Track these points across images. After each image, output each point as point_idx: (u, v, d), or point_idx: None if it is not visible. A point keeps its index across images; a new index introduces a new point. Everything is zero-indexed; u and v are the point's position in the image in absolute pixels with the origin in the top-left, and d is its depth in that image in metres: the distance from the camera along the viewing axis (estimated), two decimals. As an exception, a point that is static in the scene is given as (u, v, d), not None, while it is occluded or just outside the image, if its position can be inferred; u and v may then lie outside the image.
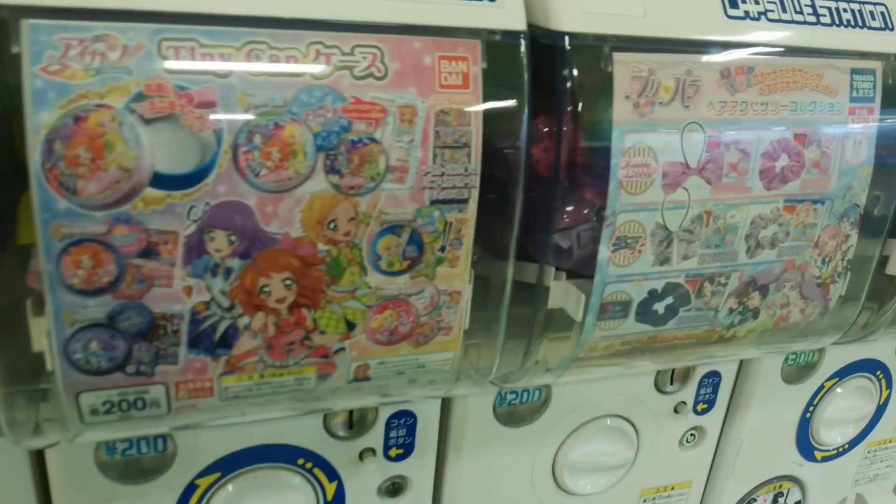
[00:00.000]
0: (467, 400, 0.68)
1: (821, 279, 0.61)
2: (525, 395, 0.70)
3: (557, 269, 0.54)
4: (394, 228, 0.45)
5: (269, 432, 0.62)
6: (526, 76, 0.47)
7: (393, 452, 0.67)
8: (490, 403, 0.69)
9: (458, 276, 0.48)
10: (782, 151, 0.54)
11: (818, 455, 0.91)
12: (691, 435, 0.81)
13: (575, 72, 0.48)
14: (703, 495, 0.87)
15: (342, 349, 0.48)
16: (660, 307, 0.55)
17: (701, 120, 0.51)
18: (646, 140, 0.49)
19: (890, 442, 0.96)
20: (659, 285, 0.54)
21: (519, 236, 0.54)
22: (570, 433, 0.74)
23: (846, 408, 0.88)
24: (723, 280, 0.56)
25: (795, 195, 0.56)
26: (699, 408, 0.79)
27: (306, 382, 0.48)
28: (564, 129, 0.48)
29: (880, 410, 0.92)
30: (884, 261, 0.66)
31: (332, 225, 0.44)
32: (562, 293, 0.54)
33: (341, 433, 0.64)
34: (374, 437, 0.66)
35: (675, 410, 0.78)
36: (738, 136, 0.52)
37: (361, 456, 0.66)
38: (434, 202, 0.45)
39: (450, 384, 0.54)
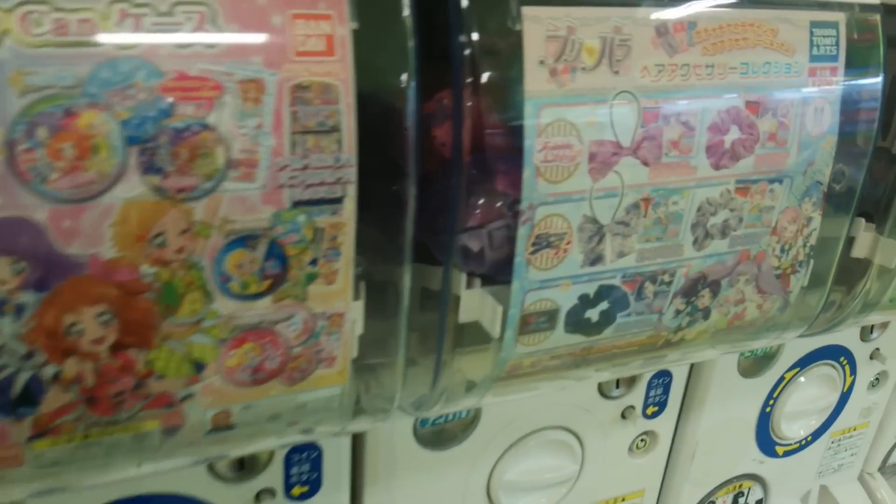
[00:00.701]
0: (383, 425, 0.58)
1: (780, 269, 0.52)
2: (450, 414, 0.61)
3: (470, 275, 0.44)
4: (245, 240, 0.35)
5: (143, 480, 0.52)
6: (411, 39, 0.37)
7: (296, 491, 0.57)
8: (409, 426, 0.60)
9: (337, 295, 0.38)
10: (732, 123, 0.45)
11: (780, 450, 0.83)
12: (641, 441, 0.73)
13: (474, 33, 0.38)
14: (657, 503, 0.79)
15: (190, 395, 0.38)
16: (593, 314, 0.46)
17: (634, 88, 0.41)
18: (567, 115, 0.40)
19: (854, 430, 0.90)
20: (591, 289, 0.45)
21: (423, 238, 0.45)
22: (504, 450, 0.65)
23: (809, 398, 0.81)
24: (667, 278, 0.47)
25: (749, 174, 0.47)
26: (649, 411, 0.71)
27: (149, 439, 0.38)
28: (467, 105, 0.38)
29: (844, 398, 0.85)
30: (851, 243, 0.58)
31: (158, 240, 0.33)
32: (476, 304, 0.44)
33: (229, 475, 0.54)
34: (272, 476, 0.56)
35: (623, 416, 0.70)
36: (679, 107, 0.43)
37: (259, 498, 0.56)
38: (297, 204, 0.35)
39: (343, 421, 0.44)
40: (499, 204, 0.42)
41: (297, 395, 0.40)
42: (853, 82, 0.50)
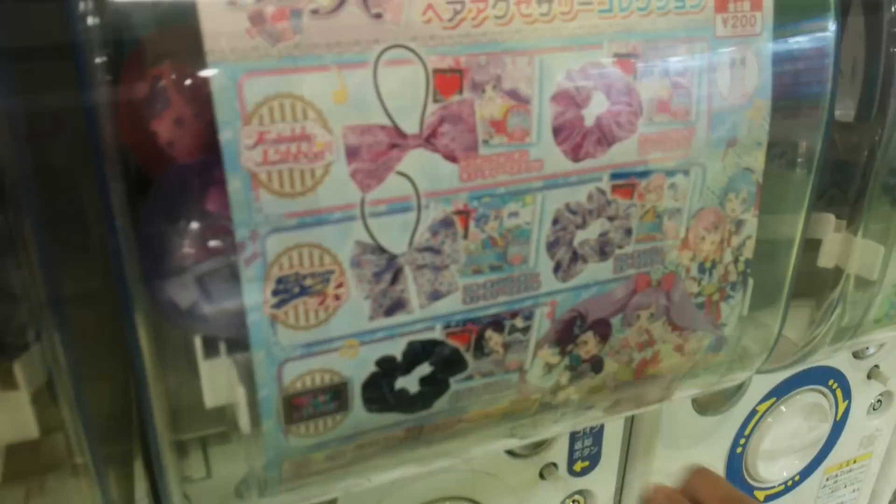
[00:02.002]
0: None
1: (703, 296, 0.37)
2: (294, 494, 0.46)
3: (208, 338, 0.29)
4: None
5: None
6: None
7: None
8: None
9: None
10: (594, 88, 0.30)
11: (760, 495, 0.68)
12: (574, 502, 0.57)
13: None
14: (601, 573, 0.64)
15: None
16: (409, 384, 0.31)
17: (413, 40, 0.26)
18: (292, 87, 0.25)
19: (854, 462, 0.73)
20: (396, 349, 0.30)
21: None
22: (378, 537, 0.50)
23: (791, 433, 0.65)
24: (520, 323, 0.32)
25: (632, 164, 0.31)
26: (577, 467, 0.56)
27: None
28: (96, 82, 0.23)
29: (838, 427, 0.69)
30: (811, 244, 0.43)
31: None
32: (223, 381, 0.30)
33: None
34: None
35: (542, 476, 0.54)
36: (498, 67, 0.28)
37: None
38: None
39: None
40: (211, 233, 0.27)
41: None
42: (790, 21, 0.34)
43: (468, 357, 0.32)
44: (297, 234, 0.26)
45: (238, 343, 0.29)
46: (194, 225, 0.27)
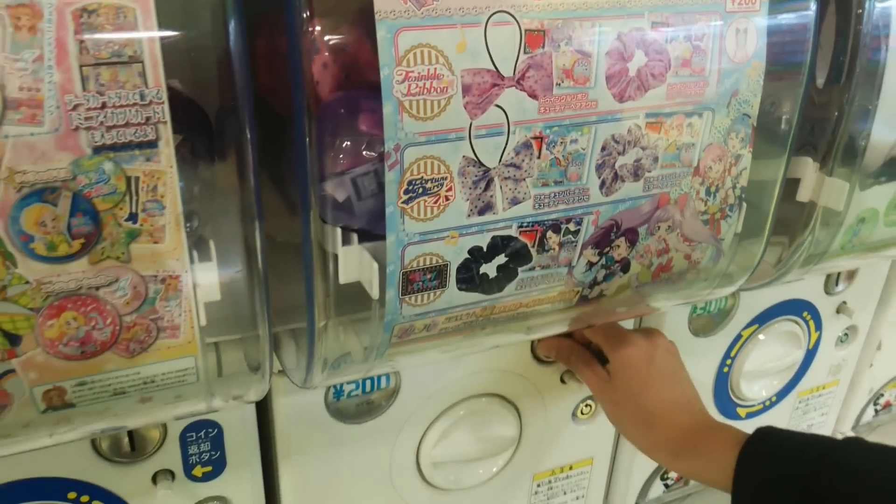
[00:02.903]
0: (289, 401, 0.54)
1: (707, 214, 0.47)
2: (367, 383, 0.57)
3: (345, 230, 0.39)
4: (41, 193, 0.30)
5: (27, 464, 0.48)
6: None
7: (198, 471, 0.53)
8: (321, 399, 0.55)
9: (169, 254, 0.34)
10: (636, 48, 0.40)
11: (741, 412, 0.79)
12: (586, 406, 0.68)
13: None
14: (609, 471, 0.75)
15: (10, 371, 0.33)
16: (489, 270, 0.42)
17: (512, 7, 0.36)
18: (430, 39, 0.35)
19: (823, 388, 0.85)
20: (483, 241, 0.40)
21: (285, 187, 0.40)
22: (432, 421, 0.61)
23: (770, 357, 0.76)
24: (572, 227, 0.43)
25: (661, 107, 0.42)
26: (593, 375, 0.66)
27: (-30, 421, 0.34)
28: (304, 33, 0.33)
29: (810, 355, 0.80)
30: (790, 184, 0.53)
31: (-67, 195, 0.29)
32: (355, 262, 0.40)
33: (118, 456, 0.50)
34: (168, 456, 0.52)
35: (562, 380, 0.65)
36: (570, 29, 0.38)
37: (155, 480, 0.52)
38: (99, 149, 0.30)
39: (207, 397, 0.40)
40: (363, 147, 0.37)
41: (139, 368, 0.36)
42: (781, 1, 0.44)
43: (533, 252, 0.42)
44: (425, 148, 0.36)
45: (367, 234, 0.39)
46: (349, 140, 0.37)
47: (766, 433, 0.49)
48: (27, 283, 0.32)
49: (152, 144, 0.31)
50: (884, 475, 0.44)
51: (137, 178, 0.31)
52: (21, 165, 0.29)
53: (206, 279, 0.36)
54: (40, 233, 0.31)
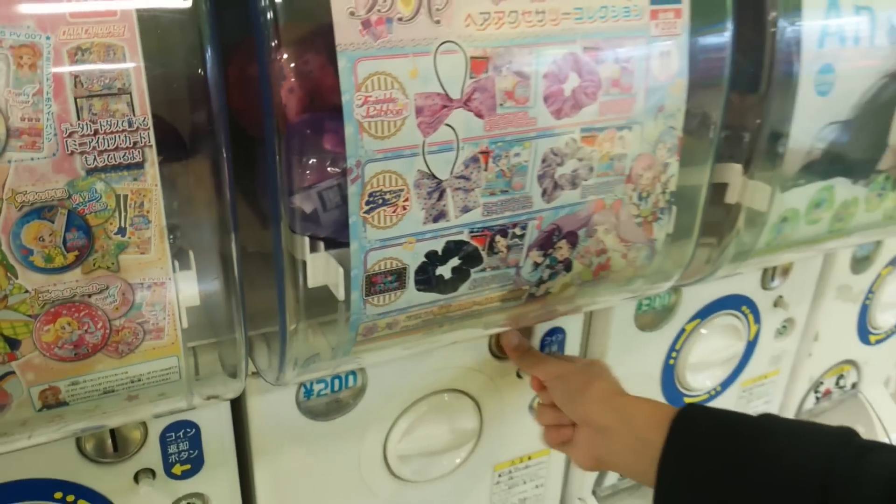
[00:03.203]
0: (262, 400, 0.58)
1: (640, 217, 0.52)
2: (336, 382, 0.61)
3: (313, 238, 0.43)
4: (40, 212, 0.34)
5: (10, 466, 0.51)
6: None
7: (177, 470, 0.57)
8: (292, 398, 0.59)
9: (153, 264, 0.37)
10: (571, 70, 0.45)
11: (688, 402, 0.84)
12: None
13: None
14: (567, 460, 0.80)
15: (10, 373, 0.37)
16: (444, 271, 0.46)
17: (458, 38, 0.41)
18: (386, 67, 0.39)
19: (765, 378, 0.91)
20: (437, 246, 0.45)
21: (255, 201, 0.44)
22: (397, 417, 0.65)
23: (713, 349, 0.82)
24: (518, 231, 0.47)
25: (594, 122, 0.47)
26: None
27: (-27, 419, 0.37)
28: (273, 61, 0.37)
29: (751, 347, 0.86)
30: (717, 189, 0.58)
31: (-57, 215, 0.32)
32: (321, 268, 0.44)
33: (101, 457, 0.53)
34: (149, 455, 0.55)
35: (518, 375, 0.70)
36: (509, 56, 0.42)
37: (137, 479, 0.55)
38: (92, 171, 0.34)
39: (188, 394, 0.44)
40: (328, 163, 0.41)
41: (127, 367, 0.39)
42: (701, 25, 0.49)
43: (484, 254, 0.47)
44: (382, 164, 0.41)
45: (332, 242, 0.44)
46: (315, 157, 0.41)
47: (690, 409, 0.53)
48: (26, 292, 0.35)
49: (139, 166, 0.35)
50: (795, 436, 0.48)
51: (126, 196, 0.35)
52: (22, 187, 0.33)
53: (187, 286, 0.40)
54: (39, 247, 0.35)
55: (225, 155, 0.37)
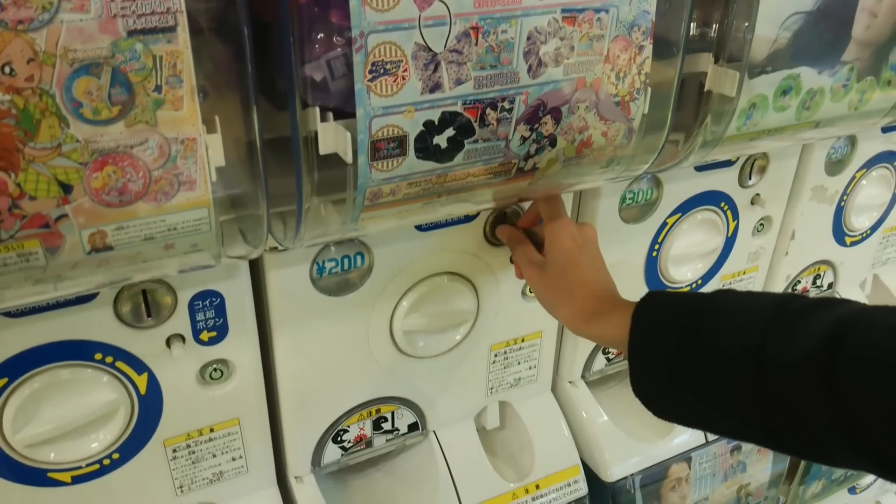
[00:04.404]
0: (280, 274, 0.64)
1: (618, 97, 0.57)
2: (346, 261, 0.67)
3: (323, 110, 0.49)
4: (89, 68, 0.39)
5: (53, 329, 0.57)
6: None
7: (205, 336, 0.63)
8: (306, 274, 0.65)
9: (186, 121, 0.43)
10: (551, -46, 0.49)
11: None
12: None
13: None
14: (558, 343, 0.87)
15: (64, 216, 0.42)
16: (441, 140, 0.51)
17: (449, -80, 0.45)
18: (384, -54, 0.44)
19: (744, 273, 0.97)
20: (434, 115, 0.50)
21: (270, 71, 0.49)
22: (401, 295, 0.71)
23: (693, 242, 0.88)
24: (507, 105, 0.52)
25: (573, 4, 0.52)
26: (538, 256, 0.77)
27: (34, 258, 0.43)
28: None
29: (730, 242, 0.92)
30: (690, 82, 0.63)
31: (6, 69, 0.38)
32: (331, 136, 0.49)
33: (136, 322, 0.60)
34: (179, 322, 0.62)
35: (511, 261, 0.76)
36: (495, -62, 0.47)
37: (169, 343, 0.62)
38: (132, 33, 0.39)
39: (216, 247, 0.49)
40: (335, 36, 0.46)
41: (165, 216, 0.45)
42: (672, -85, 0.54)
43: (476, 125, 0.52)
44: (383, 35, 0.46)
45: (340, 113, 0.49)
46: (322, 31, 0.46)
47: (656, 293, 0.60)
48: (77, 141, 0.41)
49: (172, 30, 0.40)
50: (743, 306, 0.55)
51: (161, 57, 0.41)
52: (73, 45, 0.38)
53: (214, 147, 0.46)
54: (87, 100, 0.40)
55: (246, 30, 0.42)
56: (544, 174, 0.59)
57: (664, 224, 0.84)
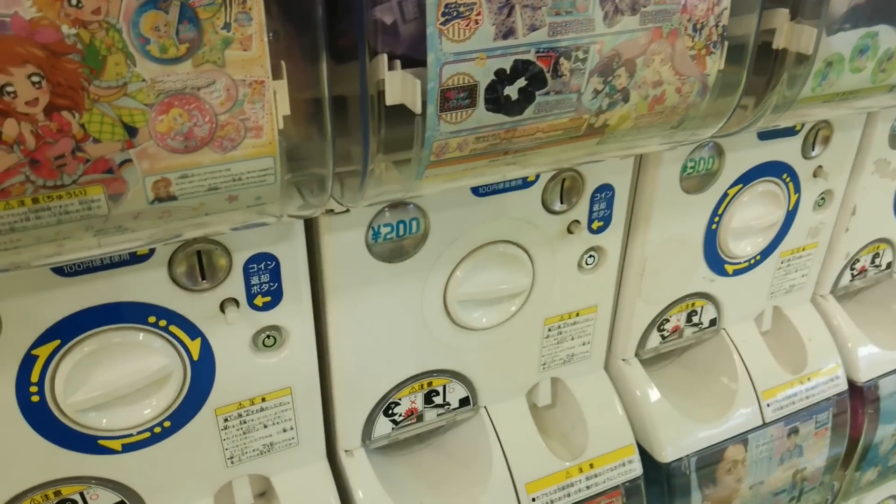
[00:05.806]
0: (335, 238, 0.62)
1: (694, 50, 0.55)
2: (401, 227, 0.65)
3: (391, 58, 0.47)
4: (157, 2, 0.37)
5: (106, 290, 0.56)
6: None
7: (259, 301, 0.62)
8: (362, 240, 0.63)
9: (255, 62, 0.41)
10: None
11: (729, 269, 0.88)
12: (590, 257, 0.77)
13: None
14: (612, 319, 0.84)
15: (128, 161, 0.41)
16: (512, 91, 0.49)
17: None
18: None
19: (803, 250, 0.94)
20: (506, 64, 0.48)
21: (335, 15, 0.47)
22: (456, 264, 0.69)
23: (754, 216, 0.85)
24: (581, 55, 0.50)
25: (653, -53, 0.49)
26: (594, 226, 0.75)
27: (96, 205, 0.42)
28: None
29: (790, 217, 0.89)
30: (765, 44, 0.60)
31: (73, 0, 0.36)
32: (398, 85, 0.47)
33: (191, 284, 0.58)
34: (233, 285, 0.60)
35: (569, 230, 0.73)
36: None
37: (223, 307, 0.60)
38: (202, -36, 0.38)
39: (280, 202, 0.48)
40: (406, -24, 0.44)
41: (230, 164, 0.43)
42: None
43: (548, 76, 0.50)
44: (458, -25, 0.43)
45: (409, 61, 0.47)
46: (395, -29, 0.44)
47: None
48: (143, 80, 0.39)
49: (243, -39, 0.38)
50: None
51: (230, -9, 0.39)
52: (141, -24, 0.37)
53: (281, 93, 0.44)
54: (155, 36, 0.38)
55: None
56: (614, 132, 0.56)
57: (724, 195, 0.81)
